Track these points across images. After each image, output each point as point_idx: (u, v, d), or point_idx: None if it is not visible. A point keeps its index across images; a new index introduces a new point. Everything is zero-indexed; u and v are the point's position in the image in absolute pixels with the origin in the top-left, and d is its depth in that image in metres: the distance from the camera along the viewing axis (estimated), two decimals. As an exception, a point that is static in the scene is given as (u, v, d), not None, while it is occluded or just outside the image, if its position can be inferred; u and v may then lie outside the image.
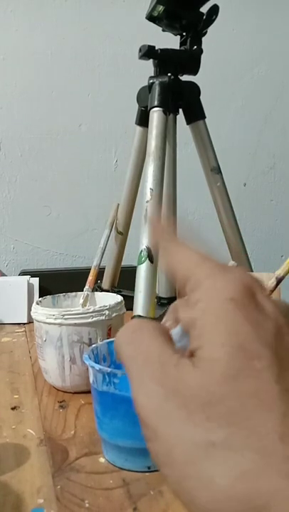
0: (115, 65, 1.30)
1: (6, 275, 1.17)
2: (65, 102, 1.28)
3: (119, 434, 0.41)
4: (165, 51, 0.79)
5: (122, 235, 0.94)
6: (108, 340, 0.49)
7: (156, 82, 0.78)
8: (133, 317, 0.65)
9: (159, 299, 0.88)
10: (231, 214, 0.86)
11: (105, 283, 0.97)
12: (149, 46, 0.77)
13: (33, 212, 1.29)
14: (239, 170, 1.42)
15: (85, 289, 0.71)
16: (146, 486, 0.39)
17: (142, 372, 0.20)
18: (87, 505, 0.37)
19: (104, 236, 0.86)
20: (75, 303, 0.69)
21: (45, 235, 1.30)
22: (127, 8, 1.29)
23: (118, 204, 0.93)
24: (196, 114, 0.84)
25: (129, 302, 0.66)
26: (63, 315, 0.56)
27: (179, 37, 0.82)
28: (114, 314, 0.59)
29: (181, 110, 0.84)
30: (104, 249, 0.84)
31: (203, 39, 0.80)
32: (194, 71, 0.81)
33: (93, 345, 0.47)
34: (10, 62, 1.24)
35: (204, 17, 0.77)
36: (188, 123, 0.85)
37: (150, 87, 0.79)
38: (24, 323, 0.91)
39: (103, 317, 0.57)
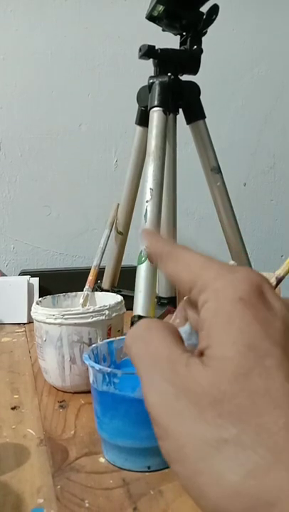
0: (115, 64, 1.30)
1: (6, 275, 1.17)
2: (65, 101, 1.28)
3: (119, 434, 0.41)
4: (165, 51, 0.78)
5: (122, 234, 0.93)
6: (108, 340, 0.49)
7: (156, 82, 0.78)
8: (133, 317, 0.65)
9: (159, 298, 0.88)
10: (231, 214, 0.86)
11: (105, 283, 0.97)
12: (149, 46, 0.77)
13: (33, 212, 1.29)
14: (239, 170, 1.42)
15: (85, 289, 0.71)
16: (146, 486, 0.39)
17: (152, 371, 0.20)
18: (87, 505, 0.37)
19: (104, 236, 0.86)
20: (75, 303, 0.69)
21: (45, 235, 1.30)
22: (127, 8, 1.28)
23: (118, 204, 0.93)
24: (196, 113, 0.84)
25: (129, 302, 0.66)
26: (63, 315, 0.56)
27: (179, 37, 0.82)
28: (114, 314, 0.59)
29: (181, 110, 0.84)
30: (104, 249, 0.84)
31: (203, 39, 0.80)
32: (194, 71, 0.81)
33: (93, 345, 0.47)
34: (10, 62, 1.24)
35: (204, 17, 0.77)
36: (188, 123, 0.85)
37: (150, 86, 0.79)
38: (24, 323, 0.91)
39: (103, 317, 0.57)
